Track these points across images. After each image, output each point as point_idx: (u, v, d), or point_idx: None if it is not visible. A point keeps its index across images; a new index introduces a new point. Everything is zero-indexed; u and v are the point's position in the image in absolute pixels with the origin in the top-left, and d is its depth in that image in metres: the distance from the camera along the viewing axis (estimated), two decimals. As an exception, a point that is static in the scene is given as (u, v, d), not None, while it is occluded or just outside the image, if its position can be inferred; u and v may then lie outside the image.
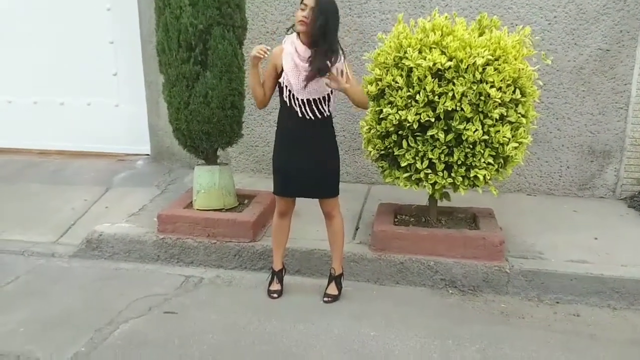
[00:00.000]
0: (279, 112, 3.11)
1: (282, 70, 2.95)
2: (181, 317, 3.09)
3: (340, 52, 2.91)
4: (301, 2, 2.84)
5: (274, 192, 3.21)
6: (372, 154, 3.51)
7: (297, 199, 3.24)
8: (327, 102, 3.00)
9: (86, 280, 3.50)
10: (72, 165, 5.07)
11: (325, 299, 3.23)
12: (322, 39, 2.82)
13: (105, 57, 5.14)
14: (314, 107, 2.97)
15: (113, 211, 4.24)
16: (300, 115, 2.98)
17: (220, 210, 3.79)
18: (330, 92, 2.97)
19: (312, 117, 2.98)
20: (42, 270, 3.63)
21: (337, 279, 3.26)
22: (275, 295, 3.28)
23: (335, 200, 3.17)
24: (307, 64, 2.87)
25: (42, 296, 3.30)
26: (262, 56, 2.86)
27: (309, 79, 2.87)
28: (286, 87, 2.96)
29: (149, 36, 4.73)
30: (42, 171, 4.95)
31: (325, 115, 3.02)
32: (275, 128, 3.18)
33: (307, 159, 3.04)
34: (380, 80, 3.28)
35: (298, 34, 2.91)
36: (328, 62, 2.83)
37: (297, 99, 2.95)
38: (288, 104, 2.99)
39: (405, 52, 3.19)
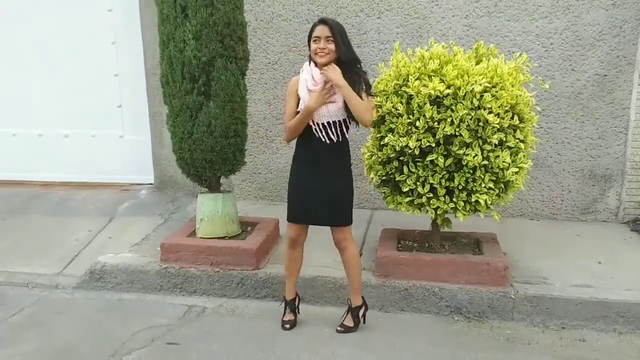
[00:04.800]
0: (295, 141, 3.11)
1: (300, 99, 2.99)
2: (184, 348, 3.07)
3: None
4: (312, 37, 2.91)
5: (287, 219, 3.17)
6: (374, 180, 3.54)
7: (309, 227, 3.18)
8: (342, 127, 2.99)
9: (89, 312, 3.49)
10: (77, 196, 5.10)
11: (339, 328, 3.17)
12: (347, 59, 2.92)
13: (110, 89, 5.23)
14: (329, 131, 2.97)
15: (116, 241, 4.25)
16: (316, 137, 2.98)
17: (223, 238, 3.80)
18: (347, 117, 2.97)
19: (327, 141, 2.98)
20: (46, 302, 3.63)
21: (353, 311, 3.18)
22: (287, 325, 3.22)
23: (345, 230, 3.09)
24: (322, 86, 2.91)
25: (46, 328, 3.29)
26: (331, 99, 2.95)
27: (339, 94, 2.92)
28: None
29: (153, 69, 4.82)
30: (46, 203, 4.98)
31: (340, 139, 3.00)
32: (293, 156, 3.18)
33: (318, 183, 3.01)
34: (381, 107, 3.32)
35: (314, 61, 2.95)
36: (356, 75, 2.93)
37: (315, 122, 2.96)
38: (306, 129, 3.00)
39: (405, 80, 3.24)
